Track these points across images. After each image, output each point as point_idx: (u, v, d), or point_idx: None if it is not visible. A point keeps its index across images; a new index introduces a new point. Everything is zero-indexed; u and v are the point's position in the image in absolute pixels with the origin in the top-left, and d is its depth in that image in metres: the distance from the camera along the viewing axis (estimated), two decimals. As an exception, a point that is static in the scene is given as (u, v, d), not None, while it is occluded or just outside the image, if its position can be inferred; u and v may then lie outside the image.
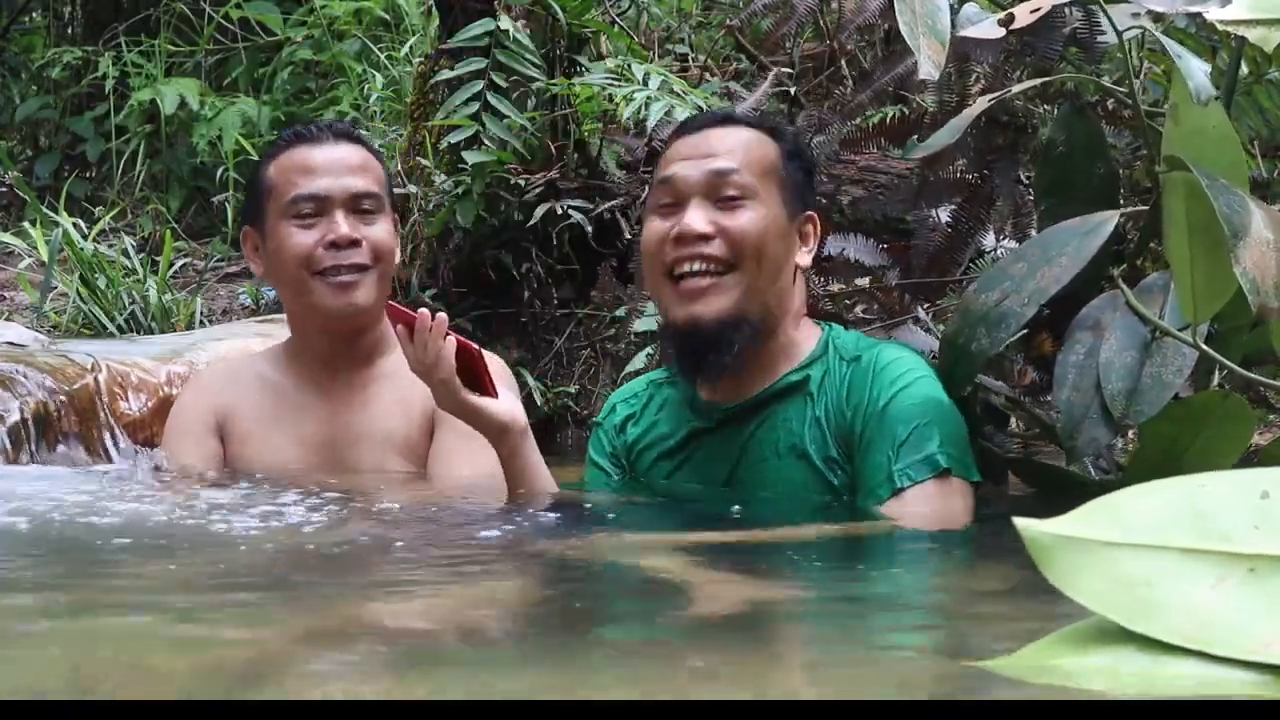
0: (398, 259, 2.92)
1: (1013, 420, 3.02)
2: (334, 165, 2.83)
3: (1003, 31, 2.54)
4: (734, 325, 2.46)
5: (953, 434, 2.46)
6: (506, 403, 2.51)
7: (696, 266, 2.47)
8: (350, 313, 2.80)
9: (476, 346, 2.48)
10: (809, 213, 2.56)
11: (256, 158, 5.48)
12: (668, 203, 2.51)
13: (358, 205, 2.82)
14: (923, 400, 2.45)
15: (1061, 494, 2.62)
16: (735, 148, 2.51)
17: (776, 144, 2.54)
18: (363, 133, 3.02)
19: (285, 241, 2.81)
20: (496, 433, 2.51)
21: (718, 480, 2.56)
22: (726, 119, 2.60)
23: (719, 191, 2.48)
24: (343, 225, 2.79)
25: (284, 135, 2.94)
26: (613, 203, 4.28)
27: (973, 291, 2.57)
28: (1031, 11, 2.52)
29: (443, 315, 2.46)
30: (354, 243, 2.79)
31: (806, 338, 2.57)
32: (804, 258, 2.54)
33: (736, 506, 2.48)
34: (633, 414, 2.69)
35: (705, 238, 2.46)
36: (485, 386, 2.48)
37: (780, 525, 2.43)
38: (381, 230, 2.84)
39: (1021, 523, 1.44)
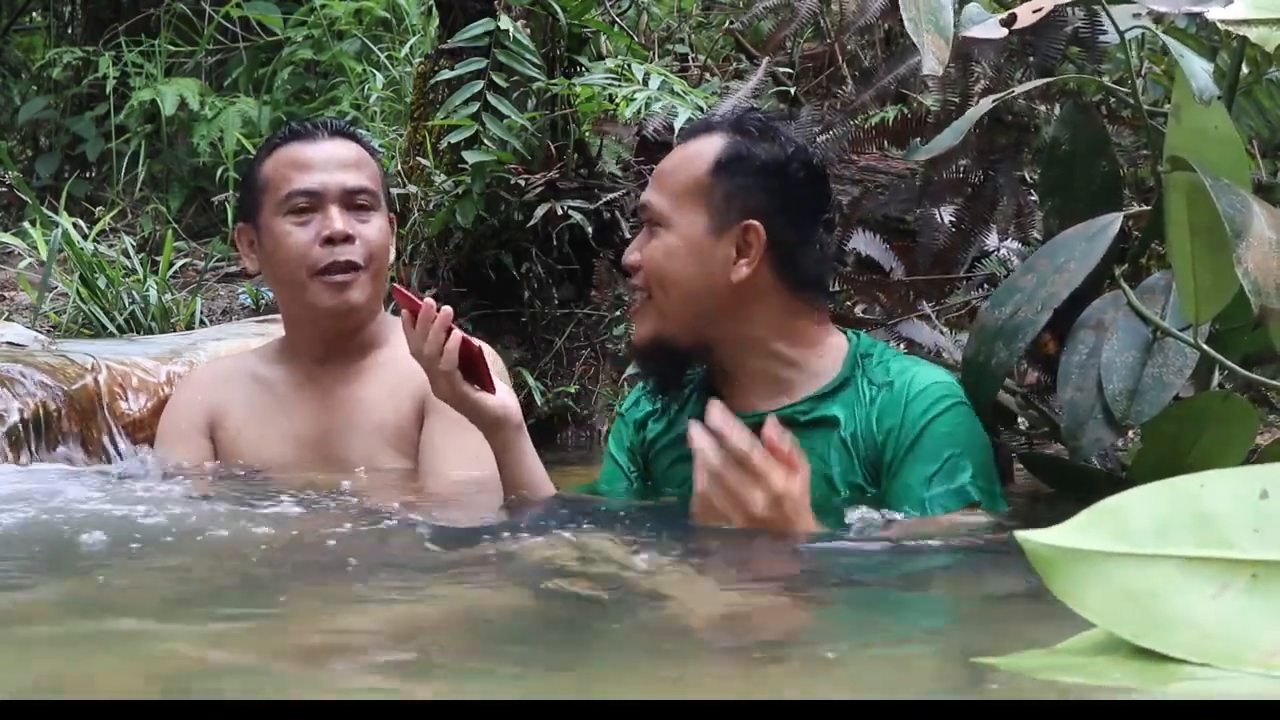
0: (392, 258, 2.93)
1: (1018, 418, 3.02)
2: (329, 161, 2.84)
3: (1005, 32, 2.54)
4: (659, 348, 2.52)
5: (983, 465, 2.45)
6: (502, 397, 2.53)
7: (634, 291, 2.58)
8: (344, 311, 2.82)
9: (478, 343, 2.50)
10: (748, 222, 2.45)
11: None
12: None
13: (352, 201, 2.83)
14: (955, 429, 2.44)
15: (1070, 489, 2.62)
16: (666, 173, 2.53)
17: (714, 153, 2.48)
18: (360, 131, 3.01)
19: (282, 240, 2.82)
20: (491, 426, 2.53)
21: None
22: (698, 131, 2.56)
23: (645, 220, 2.53)
24: (337, 221, 2.80)
25: (280, 132, 2.95)
26: (612, 196, 4.28)
27: (986, 309, 2.58)
28: (1034, 11, 2.52)
29: (447, 309, 2.48)
30: (348, 238, 2.80)
31: (828, 353, 2.52)
32: (739, 271, 2.45)
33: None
34: (655, 410, 2.66)
35: (634, 268, 2.53)
36: (484, 382, 2.50)
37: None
38: (375, 229, 2.84)
39: (1023, 535, 1.43)
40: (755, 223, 2.45)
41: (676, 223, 2.48)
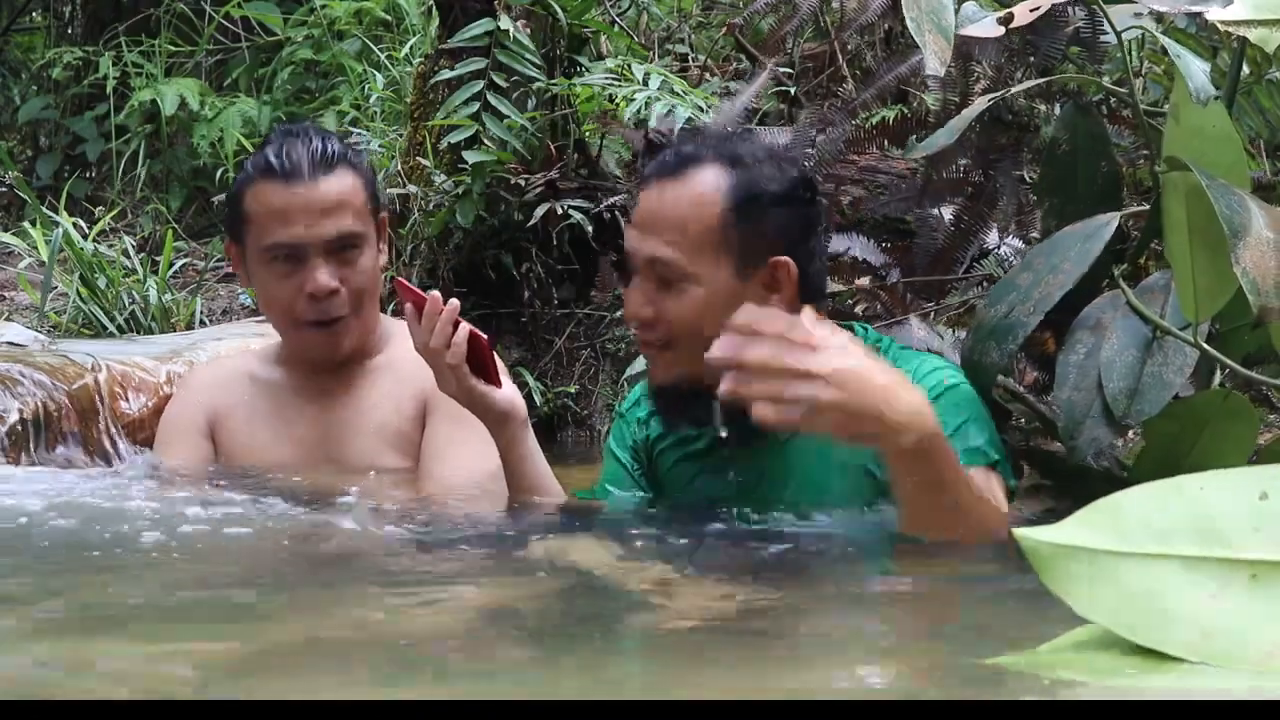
0: (385, 260, 2.88)
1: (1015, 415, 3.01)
2: (310, 208, 2.73)
3: (1002, 30, 2.53)
4: (686, 391, 2.40)
5: (994, 436, 2.45)
6: (508, 392, 2.51)
7: (645, 340, 2.45)
8: (335, 358, 2.83)
9: (485, 336, 2.48)
10: (777, 259, 2.38)
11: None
12: (625, 264, 2.48)
13: (336, 247, 2.76)
14: (967, 400, 2.42)
15: (1069, 487, 2.62)
16: (673, 224, 2.38)
17: (723, 198, 2.37)
18: (343, 147, 2.84)
19: (265, 287, 2.80)
20: (498, 421, 2.51)
21: (749, 486, 2.52)
22: (680, 166, 2.42)
23: (657, 273, 2.39)
24: (320, 276, 2.73)
25: (260, 157, 2.80)
26: (613, 199, 4.28)
27: (983, 307, 2.58)
28: (1031, 10, 2.51)
29: (455, 302, 2.46)
30: (333, 292, 2.75)
31: None
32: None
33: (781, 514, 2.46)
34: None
35: (649, 323, 2.41)
36: (491, 375, 2.48)
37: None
38: (361, 267, 2.78)
39: (1021, 532, 1.43)
40: (785, 260, 2.39)
41: (701, 276, 2.37)
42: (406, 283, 2.52)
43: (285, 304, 2.78)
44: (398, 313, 2.94)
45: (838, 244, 3.06)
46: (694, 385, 2.38)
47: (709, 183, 2.38)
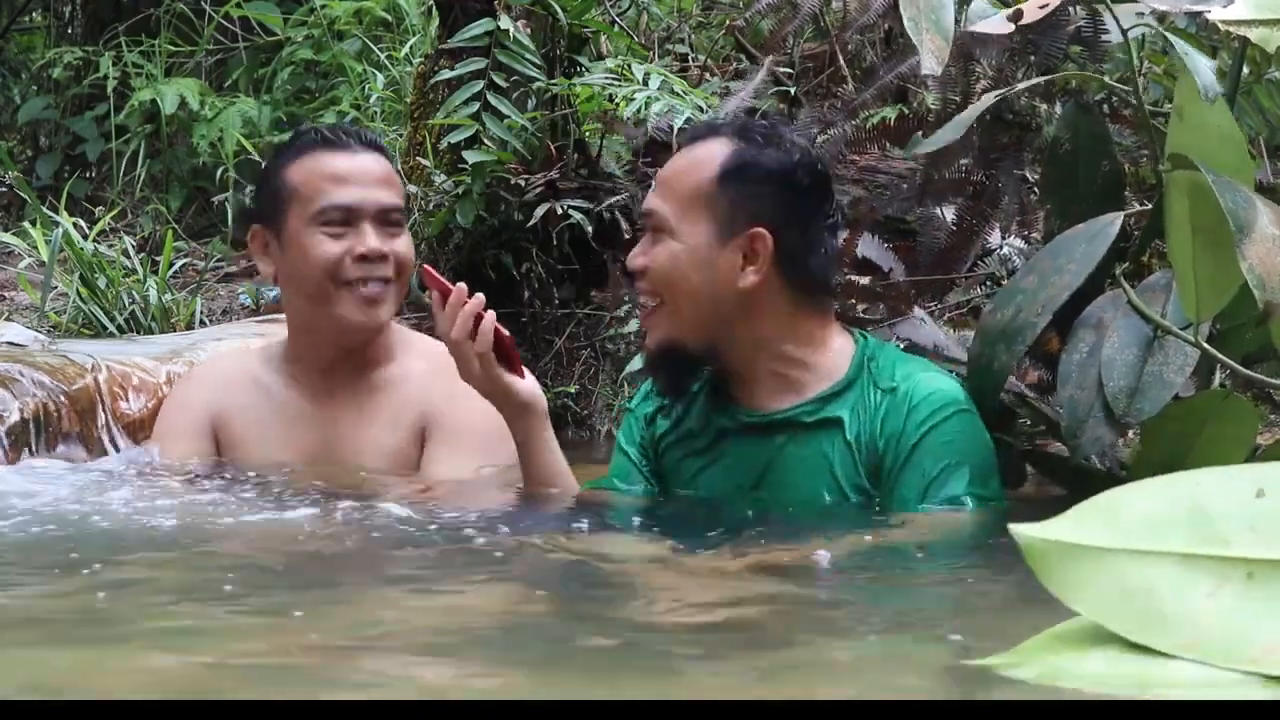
0: None
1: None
2: (363, 175, 2.80)
3: (1012, 27, 2.53)
4: (671, 353, 2.51)
5: (981, 472, 2.46)
6: (530, 383, 2.57)
7: (641, 292, 2.55)
8: (372, 326, 2.82)
9: (508, 332, 2.52)
10: (755, 229, 2.45)
11: (257, 157, 5.49)
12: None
13: (385, 218, 2.81)
14: (954, 438, 2.45)
15: (1074, 487, 2.62)
16: (670, 181, 2.52)
17: (719, 161, 2.48)
18: (382, 140, 2.97)
19: (312, 250, 2.78)
20: (518, 410, 2.56)
21: (745, 486, 2.54)
22: (698, 136, 2.57)
23: (651, 225, 2.52)
24: (372, 238, 2.78)
25: (305, 137, 2.89)
26: (613, 200, 4.28)
27: (989, 310, 2.58)
28: (1040, 7, 2.51)
29: (480, 296, 2.50)
30: (383, 256, 2.79)
31: (835, 353, 2.53)
32: (747, 278, 2.46)
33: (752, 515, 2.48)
34: (663, 406, 2.67)
35: (640, 272, 2.52)
36: (514, 366, 2.53)
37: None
38: (404, 244, 2.84)
39: (1017, 528, 1.42)
40: (762, 230, 2.45)
41: (682, 231, 2.47)
42: (435, 272, 2.56)
43: (331, 266, 2.77)
44: (423, 288, 2.99)
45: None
46: (678, 350, 2.50)
47: (711, 150, 2.51)
